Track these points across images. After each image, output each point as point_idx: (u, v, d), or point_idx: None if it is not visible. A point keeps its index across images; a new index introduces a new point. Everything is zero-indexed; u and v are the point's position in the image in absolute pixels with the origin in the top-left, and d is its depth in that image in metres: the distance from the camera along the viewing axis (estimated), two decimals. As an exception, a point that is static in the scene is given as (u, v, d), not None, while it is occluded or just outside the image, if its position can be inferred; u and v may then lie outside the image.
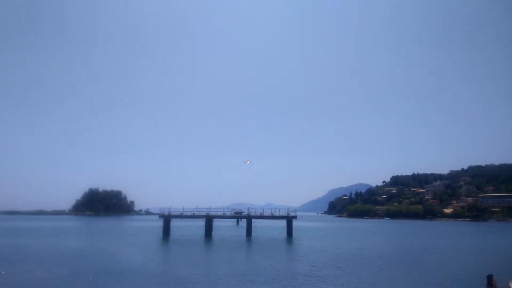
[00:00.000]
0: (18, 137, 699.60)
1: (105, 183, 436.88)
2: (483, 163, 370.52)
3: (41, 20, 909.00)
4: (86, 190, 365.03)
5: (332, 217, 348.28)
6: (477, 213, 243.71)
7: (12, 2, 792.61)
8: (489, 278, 10.87)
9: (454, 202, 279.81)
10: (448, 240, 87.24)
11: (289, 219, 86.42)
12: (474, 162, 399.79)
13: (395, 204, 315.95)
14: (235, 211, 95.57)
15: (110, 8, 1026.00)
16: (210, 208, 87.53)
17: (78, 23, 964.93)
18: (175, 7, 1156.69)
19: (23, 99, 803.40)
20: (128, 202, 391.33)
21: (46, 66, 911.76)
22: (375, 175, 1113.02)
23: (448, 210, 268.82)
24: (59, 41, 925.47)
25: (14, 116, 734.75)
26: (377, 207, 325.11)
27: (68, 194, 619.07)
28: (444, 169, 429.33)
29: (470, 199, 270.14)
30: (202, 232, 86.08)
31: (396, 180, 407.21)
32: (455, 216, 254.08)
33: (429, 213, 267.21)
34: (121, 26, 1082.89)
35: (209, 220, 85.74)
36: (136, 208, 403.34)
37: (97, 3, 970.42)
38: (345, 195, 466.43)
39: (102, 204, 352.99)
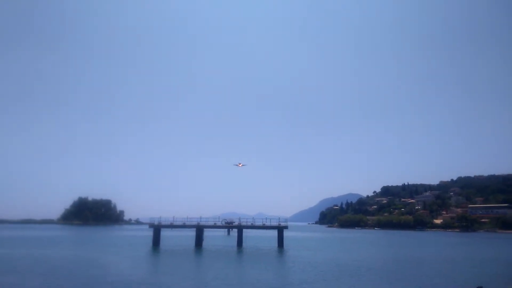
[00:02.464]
0: (5, 144, 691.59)
1: (94, 192, 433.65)
2: (472, 174, 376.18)
3: (32, 27, 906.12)
4: (75, 198, 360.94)
5: (323, 227, 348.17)
6: (466, 224, 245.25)
7: (13, 4, 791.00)
8: None
9: (444, 212, 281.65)
10: (438, 251, 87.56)
11: (280, 229, 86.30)
12: (464, 173, 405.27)
13: (386, 214, 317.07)
14: (226, 221, 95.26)
15: (106, 13, 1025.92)
16: (200, 218, 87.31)
17: (72, 27, 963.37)
18: (173, 11, 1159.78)
19: (10, 106, 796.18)
20: (118, 212, 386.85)
21: (36, 71, 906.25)
22: (366, 185, 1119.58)
23: (438, 221, 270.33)
24: (50, 47, 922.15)
25: (1, 122, 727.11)
26: (368, 217, 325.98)
27: (57, 203, 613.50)
28: (434, 180, 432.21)
29: (459, 210, 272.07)
30: (192, 242, 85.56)
31: (386, 191, 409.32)
32: (444, 226, 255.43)
33: (419, 224, 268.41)
34: (117, 32, 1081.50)
35: (199, 230, 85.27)
36: (126, 217, 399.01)
37: (94, 9, 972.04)
38: (336, 205, 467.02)
39: (92, 213, 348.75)
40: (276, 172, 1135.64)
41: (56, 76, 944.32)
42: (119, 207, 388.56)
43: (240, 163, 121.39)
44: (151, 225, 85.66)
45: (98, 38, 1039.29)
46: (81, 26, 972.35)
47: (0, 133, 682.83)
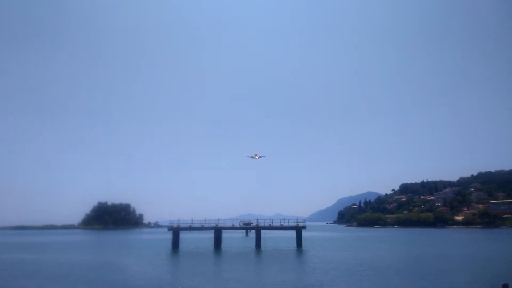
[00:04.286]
0: (27, 154, 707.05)
1: (114, 197, 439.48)
2: (493, 169, 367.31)
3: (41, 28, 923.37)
4: (95, 204, 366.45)
5: (341, 226, 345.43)
6: (488, 220, 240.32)
7: (16, 7, 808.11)
8: (505, 287, 10.70)
9: (465, 209, 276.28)
10: (461, 248, 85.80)
11: (299, 230, 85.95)
12: (484, 168, 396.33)
13: (405, 212, 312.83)
14: (244, 222, 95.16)
15: (113, 15, 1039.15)
16: (219, 220, 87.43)
17: (81, 30, 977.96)
18: (177, 12, 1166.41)
19: (31, 115, 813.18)
20: (137, 215, 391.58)
21: (52, 78, 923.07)
22: (384, 183, 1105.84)
23: (459, 218, 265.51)
24: (64, 51, 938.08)
25: (23, 132, 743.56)
26: (387, 215, 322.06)
27: (77, 208, 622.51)
28: (453, 176, 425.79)
29: (481, 206, 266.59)
30: (211, 244, 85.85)
31: (405, 188, 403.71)
32: (466, 223, 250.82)
33: (440, 221, 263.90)
34: (125, 33, 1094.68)
35: (218, 231, 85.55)
36: (145, 221, 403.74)
37: (100, 10, 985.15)
38: (354, 204, 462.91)
39: (111, 218, 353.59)
40: (293, 172, 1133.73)
41: (72, 83, 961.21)
42: (138, 211, 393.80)
43: (256, 155, 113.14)
44: (170, 228, 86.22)
45: (106, 43, 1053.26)
46: (89, 28, 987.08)
47: (23, 143, 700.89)
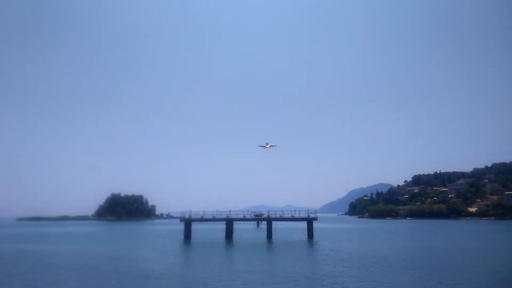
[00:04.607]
0: (41, 147, 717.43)
1: (127, 188, 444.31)
2: (507, 160, 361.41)
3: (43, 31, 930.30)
4: (109, 195, 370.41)
5: (353, 218, 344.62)
6: (503, 212, 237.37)
7: (18, 7, 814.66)
8: None
9: (479, 200, 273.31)
10: (475, 239, 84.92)
11: (310, 221, 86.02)
12: (498, 159, 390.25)
13: (418, 203, 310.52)
14: (255, 213, 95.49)
15: (111, 13, 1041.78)
16: (230, 211, 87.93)
17: (81, 31, 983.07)
18: (180, 10, 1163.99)
19: (47, 110, 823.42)
20: (150, 206, 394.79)
21: (64, 74, 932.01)
22: (396, 174, 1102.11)
23: (472, 209, 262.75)
24: (71, 48, 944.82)
25: (39, 127, 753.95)
26: (399, 207, 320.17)
27: (91, 200, 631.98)
28: (467, 167, 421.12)
29: (495, 197, 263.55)
30: (222, 235, 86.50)
31: (418, 179, 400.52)
32: (480, 214, 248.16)
33: (453, 212, 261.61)
34: (126, 30, 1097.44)
35: (229, 223, 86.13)
36: (158, 212, 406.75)
37: (98, 8, 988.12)
38: (366, 196, 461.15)
39: (124, 209, 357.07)
40: (305, 163, 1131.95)
41: (83, 79, 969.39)
42: (150, 202, 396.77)
43: (267, 144, 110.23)
44: (182, 219, 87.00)
45: (109, 40, 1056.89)
46: (89, 28, 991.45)
47: (37, 136, 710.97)
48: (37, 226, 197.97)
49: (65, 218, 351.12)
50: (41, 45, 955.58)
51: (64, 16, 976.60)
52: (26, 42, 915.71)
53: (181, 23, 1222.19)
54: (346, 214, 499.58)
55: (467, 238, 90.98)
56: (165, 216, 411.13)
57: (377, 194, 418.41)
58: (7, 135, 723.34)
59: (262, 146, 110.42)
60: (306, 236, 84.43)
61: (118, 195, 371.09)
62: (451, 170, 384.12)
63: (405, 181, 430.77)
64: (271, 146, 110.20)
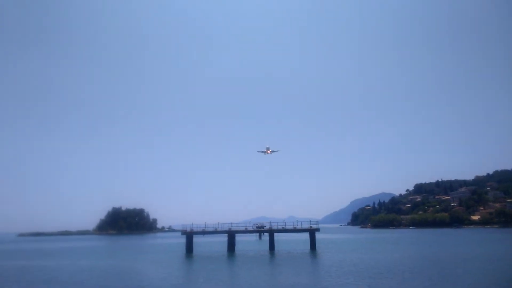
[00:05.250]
0: (43, 162, 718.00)
1: (128, 202, 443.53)
2: (509, 167, 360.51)
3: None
4: (110, 209, 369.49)
5: (355, 228, 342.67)
6: (506, 219, 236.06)
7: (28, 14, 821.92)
8: None
9: (481, 208, 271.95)
10: (479, 248, 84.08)
11: (312, 232, 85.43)
12: (500, 167, 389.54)
13: (420, 212, 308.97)
14: (257, 225, 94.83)
15: (116, 19, 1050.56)
16: (232, 223, 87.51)
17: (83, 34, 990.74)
18: (183, 12, 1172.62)
19: (46, 124, 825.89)
20: (151, 220, 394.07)
21: (70, 89, 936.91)
22: (398, 183, 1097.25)
23: (475, 217, 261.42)
24: (76, 57, 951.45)
25: (39, 141, 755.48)
26: (402, 216, 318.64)
27: (92, 214, 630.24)
28: (468, 175, 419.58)
29: (497, 205, 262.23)
30: (225, 247, 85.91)
31: (420, 188, 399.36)
32: (483, 222, 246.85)
33: (456, 221, 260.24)
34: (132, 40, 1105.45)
35: (231, 235, 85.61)
36: (159, 225, 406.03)
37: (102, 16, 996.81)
38: (368, 205, 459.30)
39: (126, 223, 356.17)
40: (306, 174, 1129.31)
41: (82, 91, 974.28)
42: (152, 215, 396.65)
43: (268, 149, 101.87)
44: (184, 232, 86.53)
45: (115, 48, 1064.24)
46: (94, 33, 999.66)
47: (36, 150, 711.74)
48: (38, 241, 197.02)
49: (66, 233, 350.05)
50: (37, 59, 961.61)
51: (66, 23, 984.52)
52: (24, 56, 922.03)
53: (180, 37, 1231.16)
54: (348, 224, 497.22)
55: (473, 246, 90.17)
56: (166, 229, 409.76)
57: (379, 203, 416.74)
58: (7, 150, 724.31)
59: (262, 151, 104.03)
60: (309, 248, 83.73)
61: (119, 209, 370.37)
62: (452, 178, 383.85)
63: (407, 190, 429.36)
64: (273, 151, 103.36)
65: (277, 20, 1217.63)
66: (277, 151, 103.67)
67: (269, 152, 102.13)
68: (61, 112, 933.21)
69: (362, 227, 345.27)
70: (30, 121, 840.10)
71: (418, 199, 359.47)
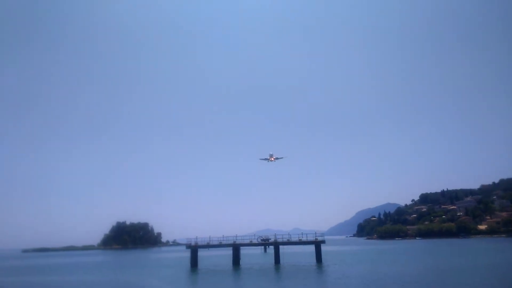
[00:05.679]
0: (44, 177, 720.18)
1: (132, 216, 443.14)
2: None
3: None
4: (114, 223, 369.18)
5: (361, 240, 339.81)
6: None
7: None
8: None
9: (488, 217, 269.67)
10: (492, 257, 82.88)
11: (318, 244, 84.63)
12: (506, 175, 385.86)
13: (426, 223, 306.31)
14: (262, 238, 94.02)
15: (118, 27, 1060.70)
16: (236, 236, 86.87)
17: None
18: (182, 14, 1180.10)
19: (51, 139, 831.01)
20: (155, 234, 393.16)
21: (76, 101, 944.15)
22: (403, 194, 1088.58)
23: (482, 227, 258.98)
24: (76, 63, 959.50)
25: (43, 156, 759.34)
26: (408, 227, 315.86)
27: (97, 229, 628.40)
28: (474, 184, 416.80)
29: (504, 214, 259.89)
30: (229, 261, 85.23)
31: (425, 198, 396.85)
32: (490, 232, 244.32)
33: (463, 231, 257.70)
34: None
35: (236, 248, 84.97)
36: (164, 239, 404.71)
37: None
38: (374, 216, 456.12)
39: (130, 237, 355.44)
40: (310, 185, 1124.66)
41: (85, 104, 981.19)
42: (156, 229, 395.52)
43: (271, 156, 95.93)
44: (188, 246, 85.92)
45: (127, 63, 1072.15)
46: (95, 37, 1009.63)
47: (40, 166, 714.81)
48: (43, 257, 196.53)
49: (71, 248, 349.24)
50: (33, 70, 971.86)
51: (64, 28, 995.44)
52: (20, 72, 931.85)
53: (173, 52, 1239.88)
54: (354, 235, 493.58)
55: (482, 256, 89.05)
56: (171, 243, 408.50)
57: (385, 214, 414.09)
58: (9, 165, 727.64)
59: (265, 159, 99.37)
60: (315, 260, 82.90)
61: (124, 223, 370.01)
62: (458, 187, 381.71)
63: (413, 200, 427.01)
64: (277, 158, 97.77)
65: (285, 23, 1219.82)
66: (281, 158, 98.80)
67: (272, 159, 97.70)
68: (64, 126, 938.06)
69: (368, 239, 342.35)
70: (33, 137, 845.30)
71: (424, 209, 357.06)
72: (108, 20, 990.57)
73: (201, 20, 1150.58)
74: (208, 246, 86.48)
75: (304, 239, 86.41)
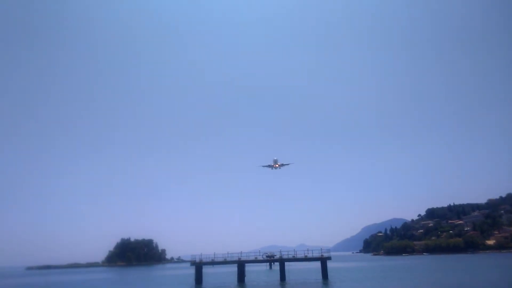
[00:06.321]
0: (48, 193, 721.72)
1: (136, 233, 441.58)
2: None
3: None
4: (118, 240, 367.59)
5: (368, 255, 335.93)
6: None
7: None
8: None
9: (496, 232, 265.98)
10: (501, 274, 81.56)
11: (324, 261, 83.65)
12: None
13: (433, 238, 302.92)
14: (267, 254, 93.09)
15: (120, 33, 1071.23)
16: (241, 253, 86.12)
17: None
18: (184, 16, 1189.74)
19: (56, 154, 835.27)
20: (160, 250, 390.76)
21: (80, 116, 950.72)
22: (410, 209, 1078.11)
23: (490, 242, 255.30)
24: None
25: (46, 173, 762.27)
26: (415, 242, 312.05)
27: (101, 246, 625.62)
28: (481, 198, 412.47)
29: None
30: (234, 278, 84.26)
31: (432, 213, 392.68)
32: (499, 247, 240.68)
33: (470, 246, 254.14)
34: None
35: (241, 265, 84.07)
36: (168, 256, 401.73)
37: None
38: (380, 232, 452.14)
39: (134, 254, 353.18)
40: (316, 200, 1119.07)
41: (91, 122, 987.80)
42: (160, 246, 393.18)
43: (277, 163, 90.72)
44: (193, 263, 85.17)
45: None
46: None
47: (46, 183, 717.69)
48: (47, 274, 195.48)
49: (75, 266, 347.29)
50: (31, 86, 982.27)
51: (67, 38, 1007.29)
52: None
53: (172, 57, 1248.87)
54: (360, 251, 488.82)
55: (491, 272, 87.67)
56: (175, 260, 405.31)
57: (391, 229, 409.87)
58: (12, 181, 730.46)
59: (269, 166, 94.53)
60: (321, 277, 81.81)
61: (128, 240, 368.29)
62: (465, 202, 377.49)
63: (419, 215, 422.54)
64: (283, 164, 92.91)
65: (292, 30, 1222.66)
66: (287, 164, 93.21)
67: (277, 165, 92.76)
68: (68, 141, 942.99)
69: (374, 254, 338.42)
70: (37, 152, 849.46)
71: (431, 224, 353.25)
72: (114, 24, 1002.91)
73: (205, 24, 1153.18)
74: (213, 263, 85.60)
75: (310, 255, 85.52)
